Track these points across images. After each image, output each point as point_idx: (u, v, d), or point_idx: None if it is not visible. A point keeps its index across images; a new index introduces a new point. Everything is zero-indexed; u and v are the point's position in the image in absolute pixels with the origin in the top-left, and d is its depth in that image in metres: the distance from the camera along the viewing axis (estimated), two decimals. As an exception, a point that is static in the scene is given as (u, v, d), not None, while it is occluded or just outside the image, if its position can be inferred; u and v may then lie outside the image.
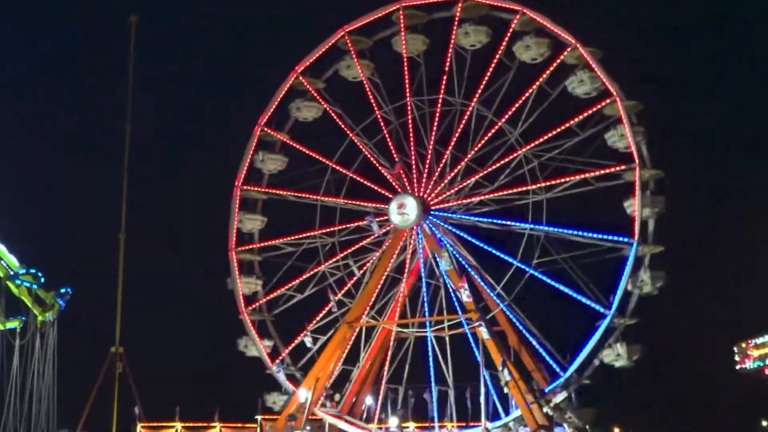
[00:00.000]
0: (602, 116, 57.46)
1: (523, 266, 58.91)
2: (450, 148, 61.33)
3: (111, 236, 67.61)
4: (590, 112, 57.43)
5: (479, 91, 60.59)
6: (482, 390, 57.87)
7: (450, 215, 62.25)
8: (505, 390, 57.32)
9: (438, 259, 60.38)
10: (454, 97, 61.70)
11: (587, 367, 55.91)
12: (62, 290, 57.19)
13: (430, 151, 61.92)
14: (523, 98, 59.29)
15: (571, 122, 57.73)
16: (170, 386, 74.64)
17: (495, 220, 60.55)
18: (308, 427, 60.41)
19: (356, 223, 63.40)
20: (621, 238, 55.61)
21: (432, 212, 61.95)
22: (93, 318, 68.47)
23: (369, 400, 63.34)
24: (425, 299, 61.69)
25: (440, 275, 61.31)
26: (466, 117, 60.99)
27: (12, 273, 55.37)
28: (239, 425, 65.41)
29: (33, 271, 56.09)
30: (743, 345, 58.26)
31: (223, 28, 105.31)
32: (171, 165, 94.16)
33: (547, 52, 58.48)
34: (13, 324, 55.22)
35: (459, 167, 61.30)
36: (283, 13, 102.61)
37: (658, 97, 76.07)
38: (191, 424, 64.66)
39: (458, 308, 60.31)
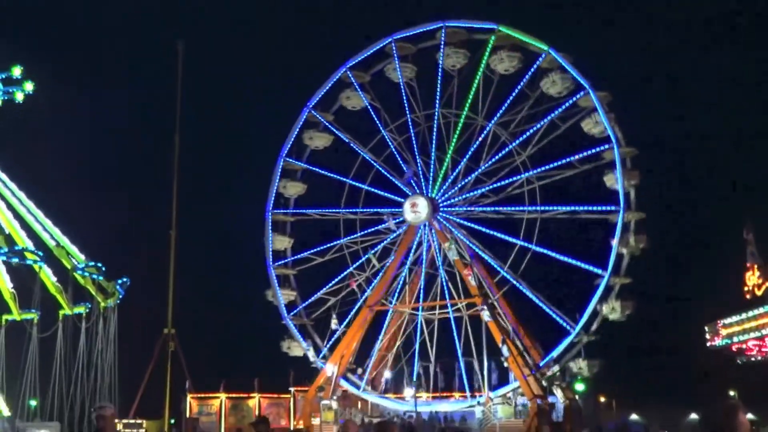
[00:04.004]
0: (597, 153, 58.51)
1: (525, 244, 60.30)
2: (449, 154, 62.99)
3: (163, 233, 69.50)
4: (567, 104, 58.96)
5: (467, 102, 62.31)
6: (485, 364, 59.76)
7: (456, 209, 63.87)
8: (505, 364, 58.92)
9: (446, 250, 61.86)
10: (449, 109, 63.70)
11: (592, 324, 57.23)
12: (121, 280, 58.00)
13: (433, 160, 63.82)
14: (508, 101, 61.37)
15: (552, 115, 59.58)
16: (216, 363, 76.19)
17: (496, 208, 62.20)
18: (335, 397, 61.83)
19: (375, 227, 65.24)
20: (608, 207, 57.46)
21: (441, 209, 63.70)
22: (148, 304, 69.96)
23: (387, 374, 64.83)
24: (444, 283, 63.24)
25: (444, 264, 63.07)
26: (460, 126, 62.86)
27: (78, 265, 56.12)
28: (275, 395, 67.07)
29: (96, 263, 56.89)
30: (713, 324, 59.16)
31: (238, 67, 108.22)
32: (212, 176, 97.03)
33: (519, 65, 60.56)
34: (80, 309, 55.79)
35: (459, 166, 63.15)
36: (291, 54, 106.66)
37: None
38: (234, 395, 66.43)
39: (464, 293, 61.97)
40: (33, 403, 55.76)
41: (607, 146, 57.84)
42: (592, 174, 59.02)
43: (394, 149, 64.93)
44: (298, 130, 66.61)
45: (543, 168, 60.44)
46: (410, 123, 64.76)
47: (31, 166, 62.94)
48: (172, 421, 65.14)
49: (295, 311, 65.86)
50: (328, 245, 65.97)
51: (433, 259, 64.53)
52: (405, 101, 64.69)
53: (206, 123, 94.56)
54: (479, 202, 63.33)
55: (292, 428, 63.34)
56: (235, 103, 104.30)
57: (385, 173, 65.32)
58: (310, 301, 65.85)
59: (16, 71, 57.24)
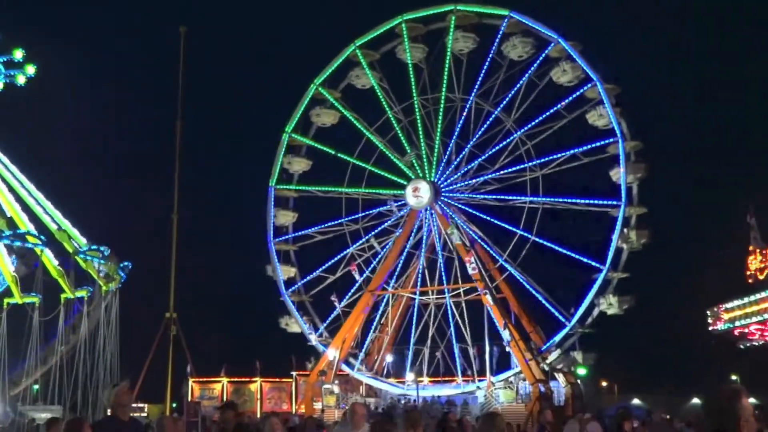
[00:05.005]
0: (583, 99, 58.77)
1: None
2: (437, 136, 63.01)
3: (165, 217, 69.91)
4: (538, 60, 59.59)
5: (443, 82, 62.44)
6: (487, 349, 59.39)
7: (458, 195, 63.71)
8: (507, 349, 58.54)
9: (448, 235, 61.65)
10: (426, 96, 63.90)
11: (618, 261, 57.17)
12: (123, 264, 56.95)
13: (422, 145, 63.59)
14: (482, 73, 61.91)
15: (528, 73, 59.93)
16: (217, 347, 76.49)
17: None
18: (336, 381, 61.82)
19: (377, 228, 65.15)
20: (607, 141, 57.50)
21: (443, 194, 63.41)
22: (150, 288, 70.21)
23: (389, 358, 64.63)
24: (442, 269, 63.35)
25: (452, 249, 62.49)
26: (442, 105, 62.92)
27: (80, 249, 55.01)
28: (277, 380, 67.29)
29: (98, 247, 55.66)
30: (715, 309, 58.98)
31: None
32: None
33: (474, 45, 61.54)
34: (82, 293, 54.97)
35: (450, 145, 63.29)
36: (267, 77, 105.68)
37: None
38: (236, 379, 66.60)
39: (463, 278, 61.39)
40: (35, 386, 55.09)
41: (589, 85, 57.96)
42: (579, 121, 59.19)
43: (383, 148, 64.87)
44: (281, 157, 66.15)
45: (532, 124, 60.64)
46: (392, 119, 64.75)
47: (33, 150, 62.64)
48: (174, 405, 65.51)
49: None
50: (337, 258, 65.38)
51: (442, 242, 64.08)
52: (383, 101, 64.81)
53: (206, 113, 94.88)
54: (479, 174, 63.14)
55: (294, 412, 62.67)
56: (235, 102, 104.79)
57: (378, 171, 65.18)
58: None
59: (18, 54, 56.64)
